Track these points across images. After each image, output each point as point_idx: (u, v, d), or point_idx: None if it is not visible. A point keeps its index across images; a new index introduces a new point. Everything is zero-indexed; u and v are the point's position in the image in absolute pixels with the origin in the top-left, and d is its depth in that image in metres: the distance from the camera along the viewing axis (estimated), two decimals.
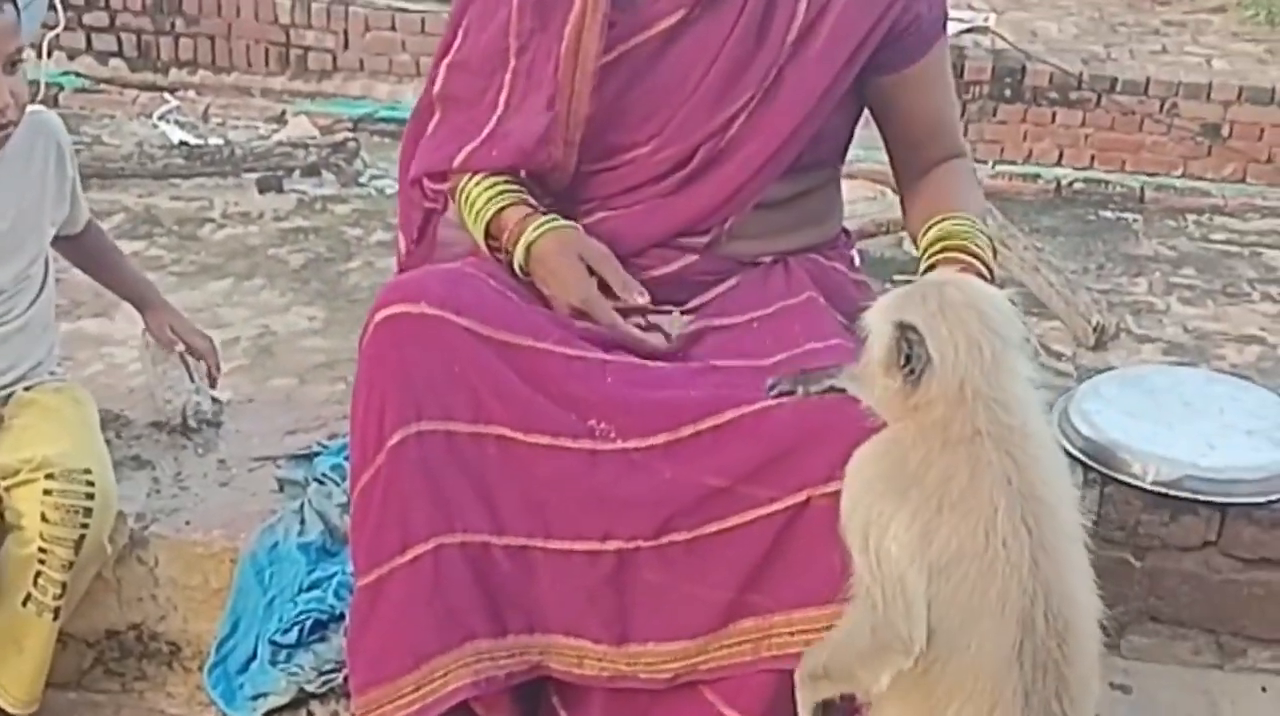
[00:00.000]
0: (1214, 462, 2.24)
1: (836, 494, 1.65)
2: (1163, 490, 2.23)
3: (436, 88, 2.10)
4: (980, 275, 1.87)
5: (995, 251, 2.02)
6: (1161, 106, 6.56)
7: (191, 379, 2.54)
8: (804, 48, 1.97)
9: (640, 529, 1.79)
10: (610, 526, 1.80)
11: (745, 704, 1.80)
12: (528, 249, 1.95)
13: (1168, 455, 2.25)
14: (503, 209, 1.99)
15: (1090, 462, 2.28)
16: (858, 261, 2.31)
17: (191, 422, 2.52)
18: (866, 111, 2.13)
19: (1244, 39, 7.54)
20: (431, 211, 2.14)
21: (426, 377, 1.83)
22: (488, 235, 2.00)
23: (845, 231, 2.27)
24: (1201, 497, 2.23)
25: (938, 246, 1.96)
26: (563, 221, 1.97)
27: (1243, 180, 6.41)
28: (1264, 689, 2.31)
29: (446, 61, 2.10)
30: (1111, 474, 2.26)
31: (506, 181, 2.02)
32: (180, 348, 2.52)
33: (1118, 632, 2.34)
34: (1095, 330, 4.46)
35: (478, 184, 2.02)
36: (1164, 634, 2.33)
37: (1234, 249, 5.02)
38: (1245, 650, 2.32)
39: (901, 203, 2.21)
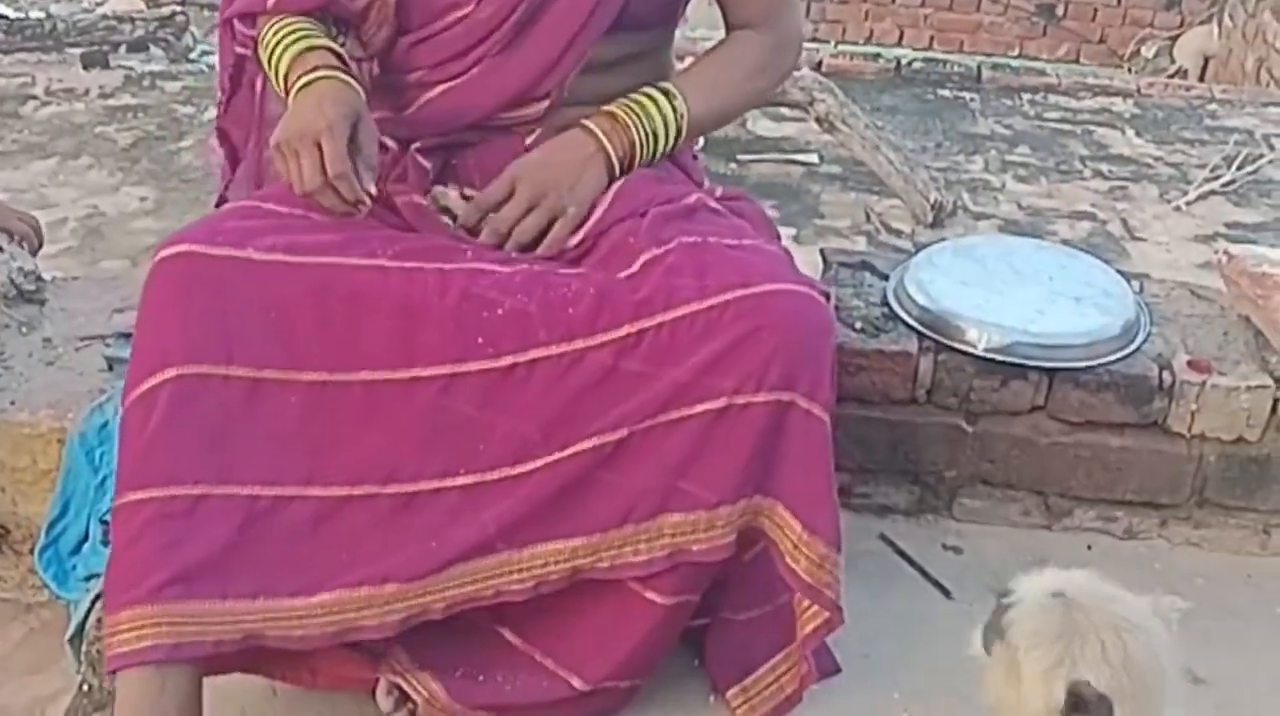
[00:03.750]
0: (1043, 328, 2.28)
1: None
2: (994, 356, 2.27)
3: None
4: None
5: (675, 134, 2.05)
6: None
7: (4, 248, 2.45)
8: None
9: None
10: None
11: (663, 584, 1.84)
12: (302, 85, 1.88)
13: (999, 322, 2.28)
14: (303, 51, 1.92)
15: (925, 331, 2.31)
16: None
17: (27, 286, 2.43)
18: None
19: None
20: (243, 57, 2.07)
21: (206, 318, 1.78)
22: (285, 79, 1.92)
23: None
24: (1031, 363, 2.27)
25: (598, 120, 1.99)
26: (350, 78, 1.90)
27: (1076, 60, 6.53)
28: (1089, 547, 2.38)
29: None
30: (945, 341, 2.30)
31: (312, 24, 1.96)
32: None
33: (950, 496, 2.40)
34: (933, 207, 4.53)
35: (282, 24, 1.95)
36: (994, 496, 2.39)
37: (1067, 128, 5.12)
38: (1071, 510, 2.39)
39: None
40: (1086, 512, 2.39)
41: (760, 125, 4.94)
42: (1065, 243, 4.21)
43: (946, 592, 2.27)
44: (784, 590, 1.93)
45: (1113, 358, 2.28)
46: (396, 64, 2.07)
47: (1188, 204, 4.63)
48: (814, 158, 4.96)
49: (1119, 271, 2.47)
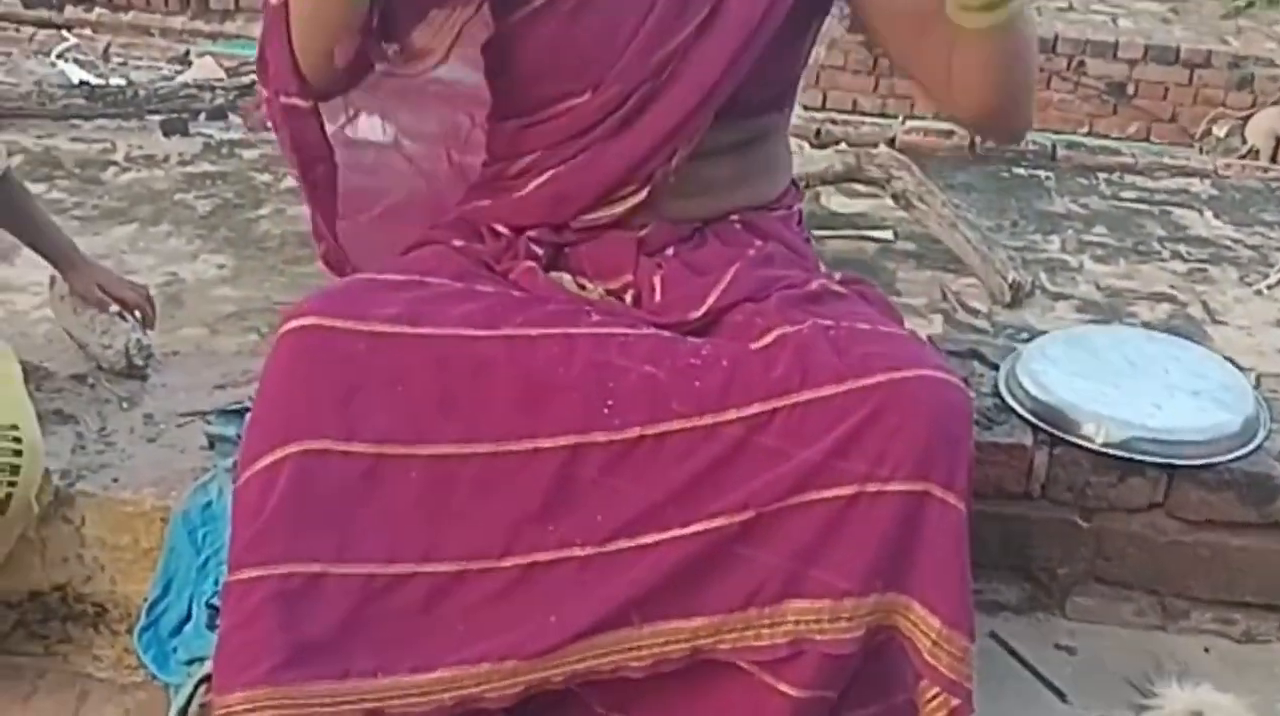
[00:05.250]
0: (1161, 423, 2.24)
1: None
2: (1112, 451, 2.23)
3: None
4: None
5: None
6: (1069, 64, 6.61)
7: (124, 318, 2.45)
8: None
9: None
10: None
11: (795, 676, 1.78)
12: None
13: (1116, 416, 2.24)
14: None
15: (1040, 423, 2.27)
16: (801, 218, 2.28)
17: (138, 361, 2.42)
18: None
19: None
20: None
21: (330, 392, 1.76)
22: None
23: (795, 184, 2.24)
24: (1150, 459, 2.23)
25: None
26: None
27: (1147, 138, 6.49)
28: (1207, 649, 2.33)
29: None
30: (1061, 435, 2.26)
31: None
32: (114, 309, 2.42)
33: (1063, 594, 2.35)
34: (1011, 287, 4.49)
35: None
36: (1109, 595, 2.34)
37: (1144, 207, 5.07)
38: (1188, 611, 2.33)
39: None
40: (1204, 614, 2.33)
41: (834, 201, 4.93)
42: (1145, 325, 4.16)
43: (1062, 696, 2.21)
44: (900, 688, 1.88)
45: (1234, 455, 2.24)
46: (501, 151, 2.07)
47: (1269, 287, 4.56)
48: (889, 234, 4.93)
49: (1234, 364, 2.43)
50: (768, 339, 1.84)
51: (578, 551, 1.78)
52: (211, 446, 2.31)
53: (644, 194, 1.99)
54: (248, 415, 2.32)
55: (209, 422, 2.35)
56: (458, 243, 2.03)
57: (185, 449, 2.31)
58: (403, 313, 1.81)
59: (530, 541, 1.78)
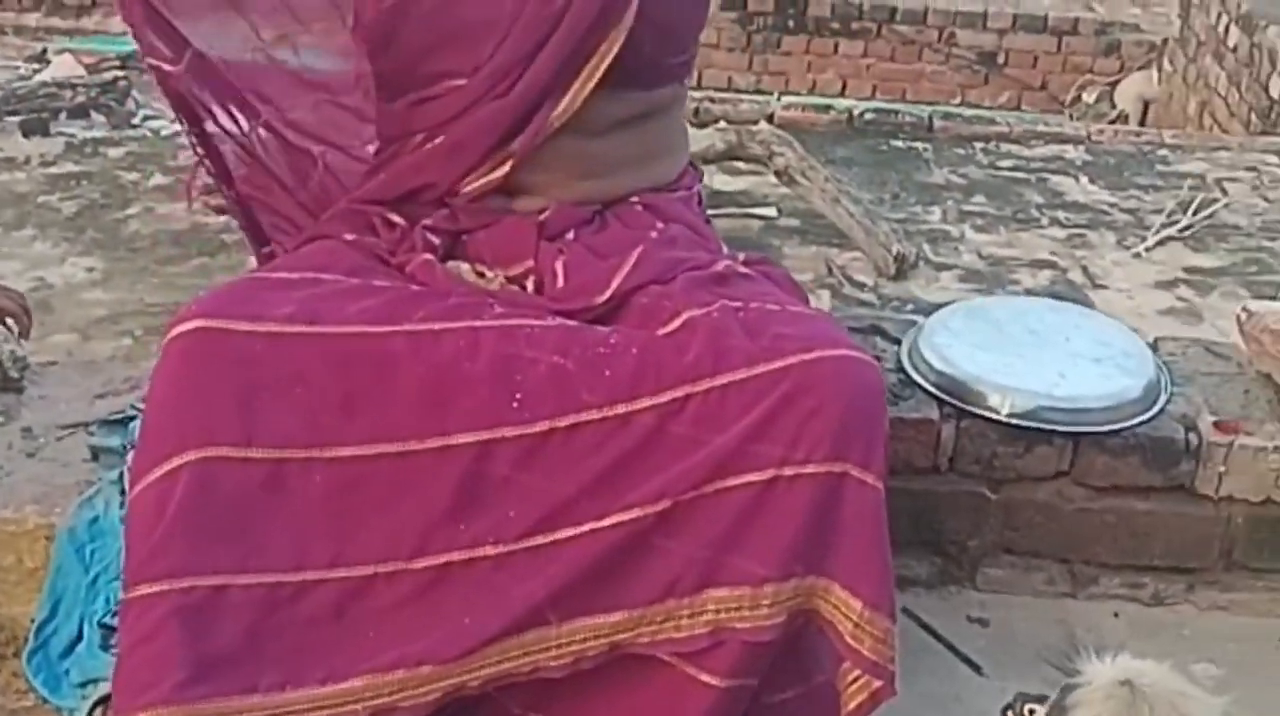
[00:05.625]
0: (1066, 392, 2.24)
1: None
2: (1018, 422, 2.22)
3: None
4: None
5: None
6: (940, 36, 6.68)
7: None
8: None
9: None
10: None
11: (717, 665, 1.75)
12: None
13: (1021, 386, 2.24)
14: None
15: (945, 397, 2.26)
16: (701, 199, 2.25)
17: (14, 373, 2.32)
18: None
19: None
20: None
21: (224, 397, 1.70)
22: None
23: (693, 165, 2.20)
24: (1056, 428, 2.23)
25: None
26: None
27: (1018, 107, 6.58)
28: (1116, 614, 2.34)
29: None
30: (967, 407, 2.25)
31: None
32: None
33: (973, 567, 2.34)
34: (896, 259, 4.49)
35: None
36: (1019, 565, 2.34)
37: (1021, 175, 5.11)
38: (1097, 577, 2.34)
39: None
40: (1112, 579, 2.34)
41: (717, 179, 4.89)
42: (1029, 292, 4.19)
43: (978, 669, 2.20)
44: (818, 671, 1.86)
45: (1137, 420, 2.24)
46: (395, 131, 2.01)
47: (1147, 250, 4.62)
48: (772, 211, 4.91)
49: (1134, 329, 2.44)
50: (676, 323, 1.80)
51: (491, 550, 1.74)
52: (95, 458, 2.22)
53: (518, 151, 1.93)
54: (133, 424, 2.24)
55: (92, 434, 2.27)
56: (349, 236, 1.96)
57: (68, 463, 2.22)
58: (298, 311, 1.74)
59: (442, 542, 1.73)
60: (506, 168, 1.93)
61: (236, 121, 2.08)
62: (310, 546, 1.72)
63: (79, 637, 2.06)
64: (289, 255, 1.95)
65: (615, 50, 1.88)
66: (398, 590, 1.73)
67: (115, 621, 2.00)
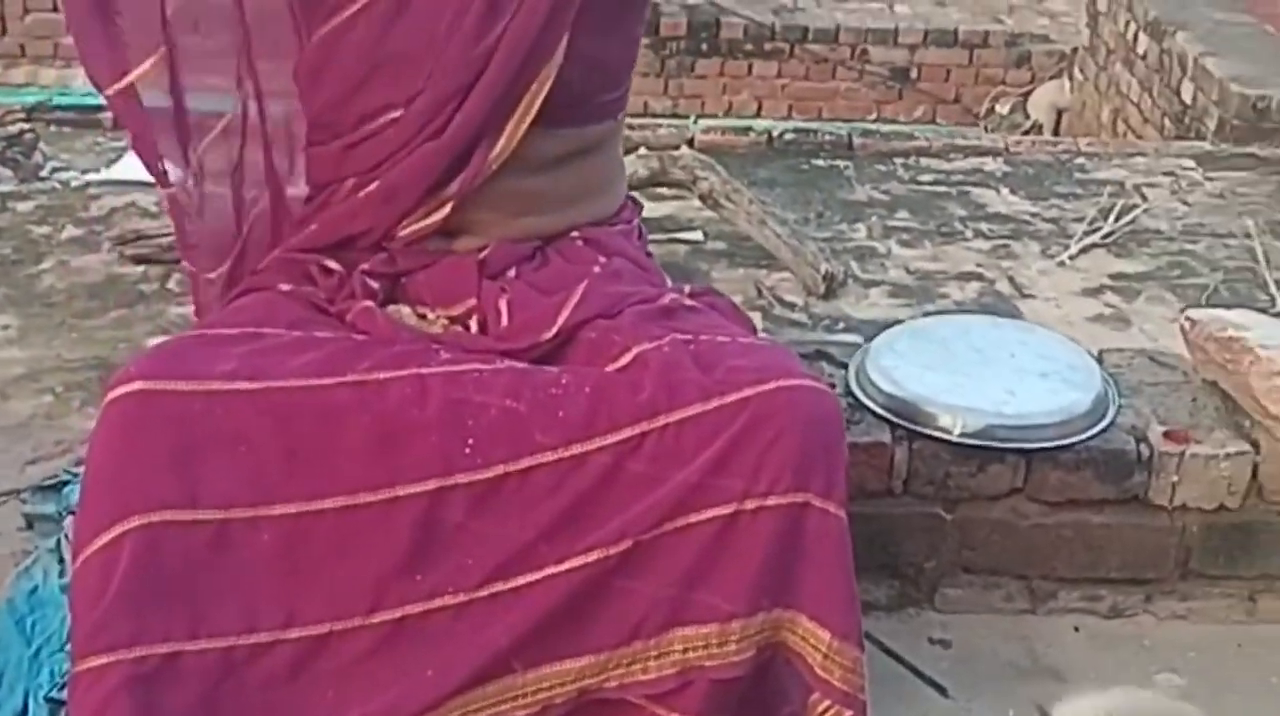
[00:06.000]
0: (1016, 409, 2.23)
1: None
2: (970, 441, 2.21)
3: None
4: None
5: None
6: (853, 53, 6.72)
7: None
8: None
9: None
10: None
11: (686, 705, 1.72)
12: None
13: (971, 405, 2.23)
14: None
15: (896, 419, 2.24)
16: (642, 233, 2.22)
17: None
18: None
19: None
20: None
21: (165, 460, 1.66)
22: None
23: (631, 198, 2.18)
24: (1008, 445, 2.22)
25: None
26: None
27: (933, 120, 6.63)
28: (1076, 628, 2.33)
29: None
30: (918, 429, 2.23)
31: None
32: None
33: (932, 588, 2.33)
34: (825, 278, 4.49)
35: None
36: (977, 584, 2.33)
37: (942, 189, 5.13)
38: (1056, 592, 2.34)
39: None
40: (1071, 593, 2.34)
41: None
42: (957, 304, 4.20)
43: (943, 691, 2.19)
44: (784, 703, 1.84)
45: (1088, 434, 2.24)
46: (326, 176, 1.97)
47: (1071, 258, 4.65)
48: (698, 235, 4.89)
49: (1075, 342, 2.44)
50: (626, 358, 1.77)
51: (450, 600, 1.70)
52: (30, 526, 2.16)
53: (456, 194, 1.91)
54: (67, 489, 2.18)
55: (25, 501, 2.20)
56: (285, 287, 1.92)
57: (2, 532, 2.15)
58: (239, 368, 1.70)
59: (399, 594, 1.69)
60: (446, 210, 1.90)
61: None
62: (262, 607, 1.67)
63: (24, 712, 1.98)
64: (226, 310, 1.90)
65: (546, 88, 1.86)
66: (355, 646, 1.69)
67: (62, 695, 1.94)
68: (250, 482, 1.68)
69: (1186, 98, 5.14)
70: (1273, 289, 3.63)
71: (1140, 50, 5.62)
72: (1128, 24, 5.75)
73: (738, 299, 4.30)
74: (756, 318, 4.23)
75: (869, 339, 2.46)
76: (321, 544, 1.69)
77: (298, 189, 2.08)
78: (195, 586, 1.65)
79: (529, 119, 1.88)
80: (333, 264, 1.94)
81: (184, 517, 1.65)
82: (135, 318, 3.84)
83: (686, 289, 2.01)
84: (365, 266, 1.93)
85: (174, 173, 1.99)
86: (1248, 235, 3.99)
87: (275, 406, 1.69)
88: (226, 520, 1.67)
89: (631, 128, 5.43)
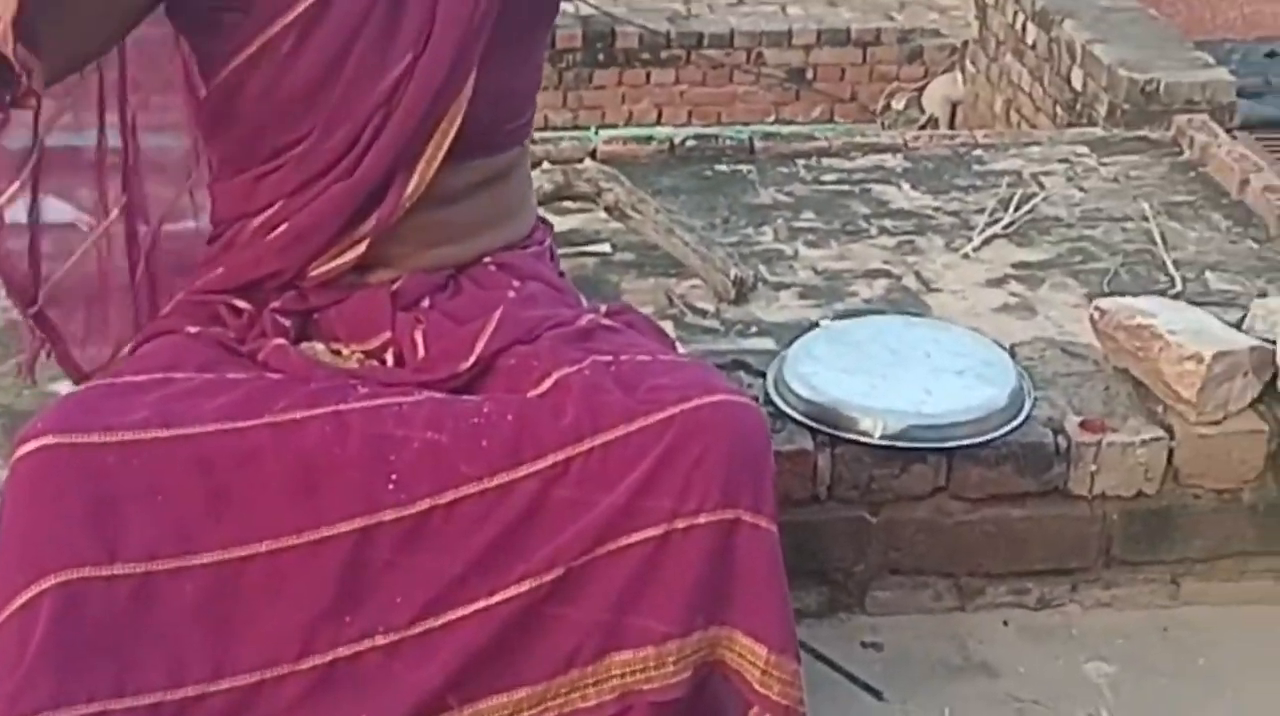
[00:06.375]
0: (934, 408, 2.25)
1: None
2: (891, 443, 2.23)
3: None
4: None
5: None
6: (748, 56, 6.74)
7: None
8: None
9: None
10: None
11: None
12: None
13: (890, 407, 2.25)
14: None
15: (817, 426, 2.25)
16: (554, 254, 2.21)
17: None
18: None
19: None
20: None
21: (80, 515, 1.62)
22: None
23: (542, 220, 2.17)
24: (929, 445, 2.24)
25: None
26: None
27: (831, 119, 6.68)
28: (1006, 622, 2.35)
29: None
30: (839, 434, 2.24)
31: None
32: None
33: (861, 591, 2.34)
34: (735, 283, 4.49)
35: None
36: (906, 585, 2.35)
37: (845, 188, 5.16)
38: (984, 588, 2.36)
39: None
40: (998, 588, 2.36)
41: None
42: (866, 302, 4.23)
43: (878, 694, 2.20)
44: None
45: (1006, 429, 2.26)
46: (232, 211, 1.94)
47: (975, 250, 4.69)
48: (606, 247, 4.88)
49: (994, 340, 2.47)
50: (547, 383, 1.76)
51: (381, 640, 1.68)
52: None
53: (368, 240, 1.87)
54: None
55: None
56: (193, 329, 1.88)
57: None
58: (152, 416, 1.66)
59: (329, 638, 1.67)
60: (359, 249, 1.88)
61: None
62: (189, 659, 1.64)
63: None
64: (133, 358, 1.87)
65: (456, 125, 1.85)
66: (287, 694, 1.67)
67: None
68: (171, 533, 1.65)
69: (1077, 85, 5.21)
70: (1171, 269, 3.69)
71: (1029, 40, 5.69)
72: (1016, 14, 5.82)
73: (649, 309, 4.31)
74: (669, 326, 4.23)
75: (784, 343, 2.47)
76: (247, 591, 1.66)
77: (199, 223, 2.05)
78: (119, 642, 1.62)
79: (440, 156, 1.86)
80: (241, 303, 1.91)
81: (103, 573, 1.62)
82: (39, 363, 3.76)
83: (603, 309, 2.00)
84: (275, 304, 1.90)
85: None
86: (1144, 218, 4.04)
87: (192, 453, 1.66)
88: (149, 573, 1.64)
89: (534, 142, 5.41)
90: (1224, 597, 2.40)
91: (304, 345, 1.89)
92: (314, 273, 1.89)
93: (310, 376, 1.79)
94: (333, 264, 1.89)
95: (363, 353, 1.90)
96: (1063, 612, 2.38)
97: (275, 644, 1.66)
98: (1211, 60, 4.93)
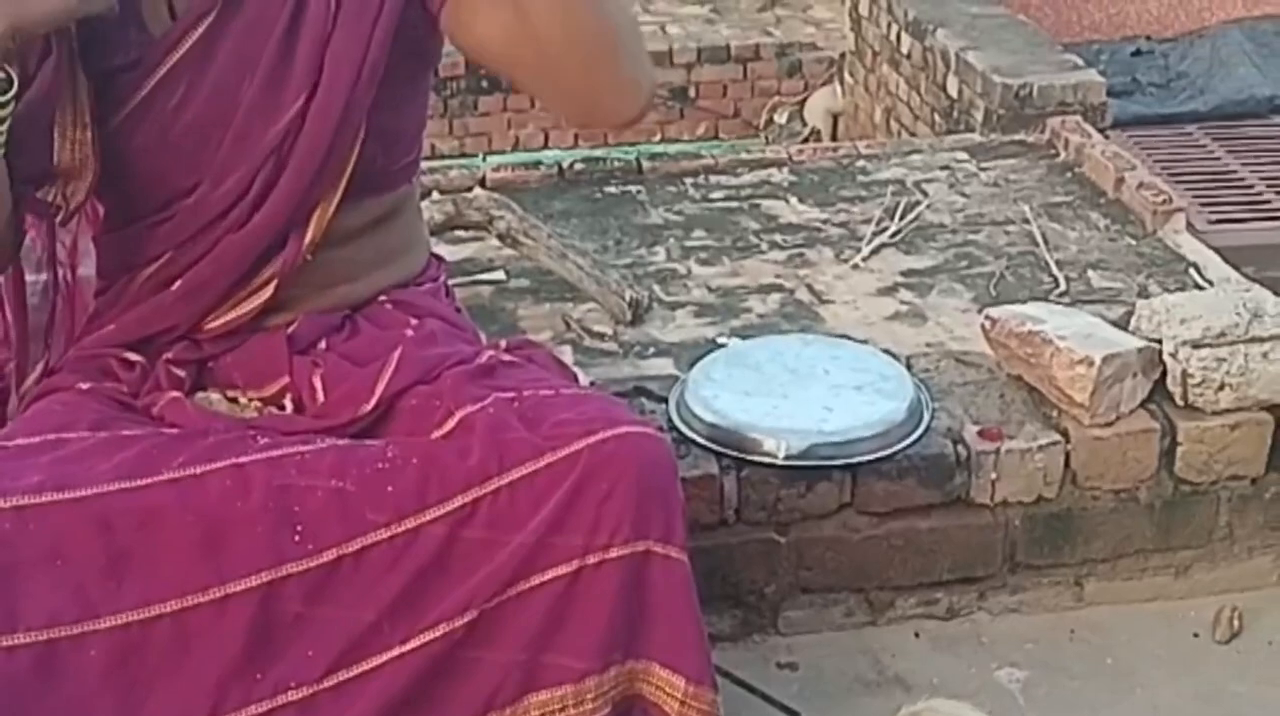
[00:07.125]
0: (836, 426, 2.27)
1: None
2: (796, 463, 2.24)
3: None
4: None
5: None
6: None
7: None
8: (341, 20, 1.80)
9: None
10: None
11: None
12: None
13: (793, 427, 2.26)
14: None
15: (721, 449, 2.26)
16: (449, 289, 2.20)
17: None
18: None
19: (690, 2, 7.85)
20: None
21: None
22: None
23: (436, 256, 2.16)
24: (832, 463, 2.25)
25: None
26: None
27: (716, 136, 6.71)
28: (917, 634, 2.38)
29: None
30: (744, 457, 2.25)
31: None
32: None
33: (774, 612, 2.35)
34: (630, 305, 4.50)
35: None
36: (817, 603, 2.36)
37: (734, 204, 5.19)
38: (893, 601, 2.38)
39: None
40: (908, 600, 2.38)
41: (439, 251, 4.82)
42: (761, 318, 4.26)
43: (796, 714, 2.20)
44: None
45: (907, 442, 2.29)
46: (122, 262, 1.90)
47: (864, 260, 4.74)
48: (500, 274, 4.87)
49: (886, 351, 2.49)
50: (451, 423, 1.75)
51: (294, 695, 1.66)
52: None
53: (273, 285, 1.86)
54: None
55: None
56: (84, 385, 1.85)
57: None
58: (46, 479, 1.63)
59: (240, 696, 1.64)
60: (258, 301, 1.86)
61: None
62: None
63: None
64: (22, 419, 1.82)
65: (349, 171, 1.83)
66: None
67: None
68: (72, 598, 1.61)
69: (952, 92, 5.29)
70: (1055, 270, 3.76)
71: (904, 50, 5.77)
72: (890, 25, 5.90)
73: (546, 334, 4.32)
74: (567, 351, 4.23)
75: (683, 362, 2.48)
76: (154, 653, 1.63)
77: (87, 270, 2.01)
78: (24, 713, 1.58)
79: (334, 204, 1.84)
80: (133, 356, 1.88)
81: (4, 643, 1.58)
82: None
83: (503, 344, 1.99)
84: (169, 355, 1.87)
85: None
86: (1025, 220, 4.12)
87: (90, 515, 1.63)
88: (50, 640, 1.60)
89: (422, 172, 5.39)
90: (1127, 596, 2.45)
91: (200, 395, 1.86)
92: (210, 324, 1.87)
93: (208, 429, 1.76)
94: (232, 315, 1.86)
95: (260, 400, 1.88)
96: (972, 621, 2.40)
97: (186, 706, 1.63)
98: (1081, 62, 5.03)
